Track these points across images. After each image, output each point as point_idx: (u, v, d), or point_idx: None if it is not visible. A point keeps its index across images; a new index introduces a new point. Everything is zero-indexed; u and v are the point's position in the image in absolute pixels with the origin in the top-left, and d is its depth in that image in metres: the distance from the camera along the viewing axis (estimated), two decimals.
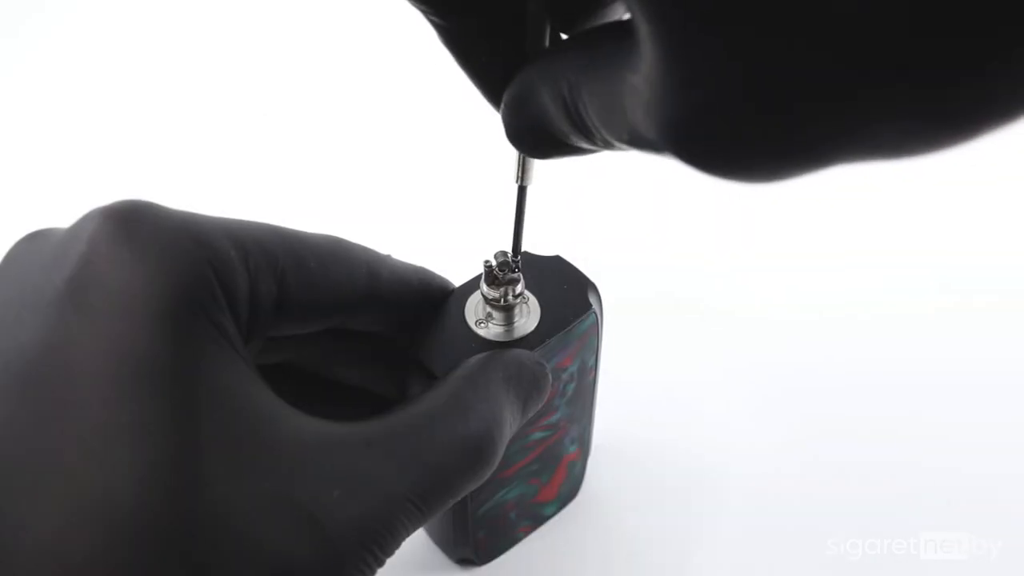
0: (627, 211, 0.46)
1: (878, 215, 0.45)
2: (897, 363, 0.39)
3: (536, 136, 0.19)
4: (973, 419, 0.37)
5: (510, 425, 0.24)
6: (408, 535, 0.20)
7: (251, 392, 0.19)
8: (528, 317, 0.27)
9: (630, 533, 0.33)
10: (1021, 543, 0.32)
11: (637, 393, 0.37)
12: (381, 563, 0.20)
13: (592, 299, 0.27)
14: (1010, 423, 0.36)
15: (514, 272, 0.25)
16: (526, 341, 0.26)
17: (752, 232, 0.45)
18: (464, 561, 0.33)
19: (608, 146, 0.17)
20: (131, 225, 0.19)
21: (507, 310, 0.26)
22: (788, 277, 0.43)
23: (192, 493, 0.17)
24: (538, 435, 0.29)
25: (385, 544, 0.20)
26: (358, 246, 0.24)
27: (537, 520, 0.33)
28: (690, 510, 0.34)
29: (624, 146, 0.17)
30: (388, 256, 0.25)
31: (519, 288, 0.25)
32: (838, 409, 0.37)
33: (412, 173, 0.48)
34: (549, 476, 0.32)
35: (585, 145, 0.18)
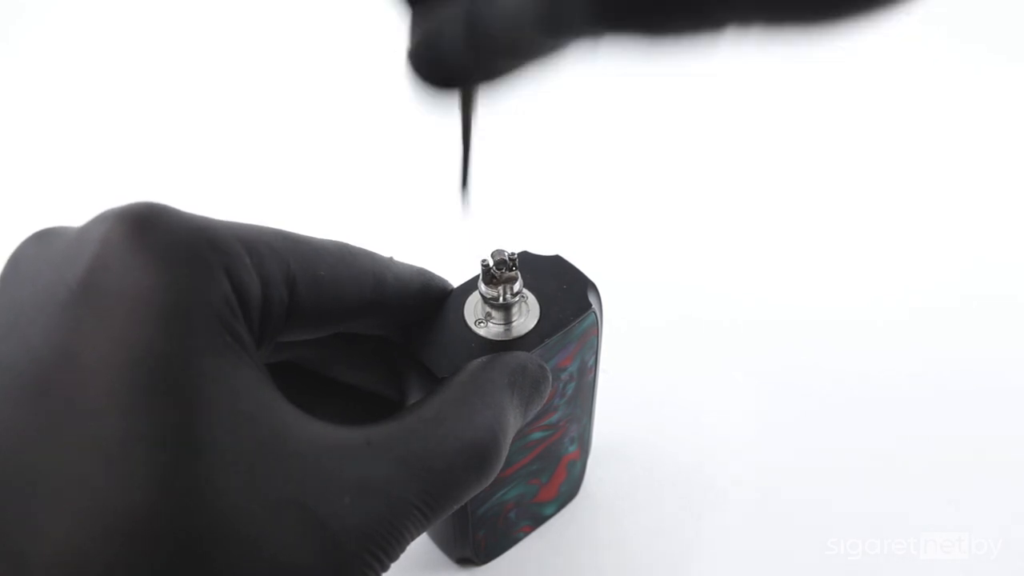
0: (627, 211, 0.46)
1: (884, 218, 0.46)
2: (896, 364, 0.39)
3: (442, 69, 0.18)
4: (973, 419, 0.37)
5: (513, 428, 0.24)
6: (412, 540, 0.20)
7: (265, 399, 0.19)
8: (527, 316, 0.27)
9: (630, 533, 0.33)
10: (1021, 543, 0.32)
11: (637, 393, 0.37)
12: (386, 568, 0.20)
13: (592, 299, 0.27)
14: (1010, 424, 0.36)
15: (511, 271, 0.25)
16: (525, 340, 0.26)
17: (753, 233, 0.45)
18: (464, 561, 0.33)
19: (517, 53, 0.17)
20: (146, 228, 0.18)
21: (505, 309, 0.26)
22: (789, 277, 0.43)
23: (208, 502, 0.17)
24: (538, 435, 0.29)
25: (390, 550, 0.20)
26: (363, 251, 0.24)
27: (537, 520, 0.33)
28: (690, 510, 0.34)
29: (529, 49, 0.17)
30: (391, 259, 0.25)
31: (517, 287, 0.25)
32: (839, 409, 0.37)
33: (411, 172, 0.48)
34: (549, 476, 0.32)
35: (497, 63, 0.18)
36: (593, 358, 0.29)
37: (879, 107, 0.51)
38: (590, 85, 0.52)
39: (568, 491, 0.34)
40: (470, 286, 0.27)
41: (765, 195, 0.47)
